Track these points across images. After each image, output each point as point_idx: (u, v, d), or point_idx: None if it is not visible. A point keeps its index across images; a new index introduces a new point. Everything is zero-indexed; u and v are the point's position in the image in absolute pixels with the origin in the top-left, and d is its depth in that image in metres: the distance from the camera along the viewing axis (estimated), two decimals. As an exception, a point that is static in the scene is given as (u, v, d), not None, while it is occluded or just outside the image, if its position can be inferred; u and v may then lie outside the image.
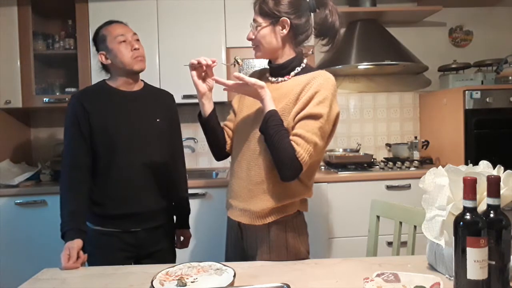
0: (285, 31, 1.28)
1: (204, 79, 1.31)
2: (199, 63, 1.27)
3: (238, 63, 1.37)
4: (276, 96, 1.28)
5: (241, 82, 1.22)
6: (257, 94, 1.23)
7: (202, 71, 1.30)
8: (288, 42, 1.31)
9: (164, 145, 1.63)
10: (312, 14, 1.32)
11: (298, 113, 1.22)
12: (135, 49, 1.54)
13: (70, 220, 1.40)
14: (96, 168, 1.53)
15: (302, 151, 1.18)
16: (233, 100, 1.48)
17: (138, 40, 1.58)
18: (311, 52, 1.38)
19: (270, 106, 1.22)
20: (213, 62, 1.28)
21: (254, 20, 1.30)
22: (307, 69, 1.32)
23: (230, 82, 1.25)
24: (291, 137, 1.20)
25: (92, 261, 1.42)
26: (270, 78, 1.37)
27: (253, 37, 1.31)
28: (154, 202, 1.58)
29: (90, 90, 1.61)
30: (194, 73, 1.29)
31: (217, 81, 1.27)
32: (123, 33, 1.54)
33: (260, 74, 1.44)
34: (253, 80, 1.21)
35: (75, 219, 1.41)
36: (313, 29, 1.32)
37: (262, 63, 2.57)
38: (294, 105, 1.24)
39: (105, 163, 1.52)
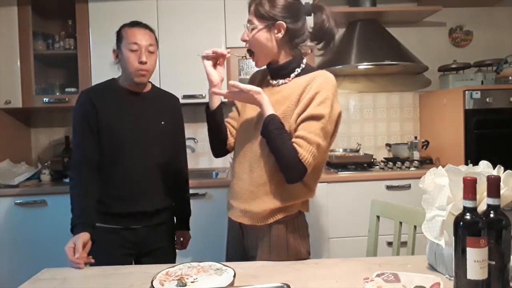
0: (280, 35, 1.27)
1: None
2: (214, 52, 1.28)
3: (250, 55, 1.36)
4: (277, 99, 1.27)
5: (237, 90, 1.22)
6: (254, 100, 1.23)
7: (215, 61, 1.31)
8: (283, 45, 1.30)
9: (168, 147, 1.63)
10: (306, 17, 1.31)
11: (300, 115, 1.21)
12: (140, 62, 1.50)
13: (82, 215, 1.40)
14: (100, 165, 1.53)
15: (305, 152, 1.17)
16: None
17: (151, 52, 1.54)
18: (309, 51, 1.37)
19: (269, 110, 1.22)
20: (228, 52, 1.30)
21: (249, 21, 1.29)
22: (307, 70, 1.31)
23: (226, 91, 1.26)
24: (293, 139, 1.20)
25: (93, 258, 1.41)
26: (271, 81, 1.36)
27: (247, 38, 1.29)
28: (155, 202, 1.58)
29: (99, 87, 1.62)
30: (209, 62, 1.30)
31: (214, 93, 1.28)
32: (138, 41, 1.51)
33: (262, 76, 1.43)
34: (249, 87, 1.21)
35: (86, 214, 1.42)
36: (309, 32, 1.31)
37: (262, 63, 2.57)
38: (296, 107, 1.23)
39: (109, 162, 1.52)
